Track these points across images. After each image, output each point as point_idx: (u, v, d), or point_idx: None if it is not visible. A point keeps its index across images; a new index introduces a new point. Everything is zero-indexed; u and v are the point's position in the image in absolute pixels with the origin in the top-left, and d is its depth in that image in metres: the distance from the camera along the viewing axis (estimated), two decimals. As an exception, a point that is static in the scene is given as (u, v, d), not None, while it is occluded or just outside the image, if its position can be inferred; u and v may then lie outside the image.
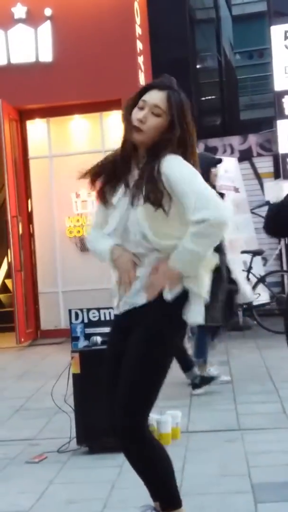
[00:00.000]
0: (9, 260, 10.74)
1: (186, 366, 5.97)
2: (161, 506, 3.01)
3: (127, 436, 2.90)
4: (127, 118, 2.94)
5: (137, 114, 2.90)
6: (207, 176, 6.31)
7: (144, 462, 2.95)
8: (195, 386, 5.98)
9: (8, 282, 12.49)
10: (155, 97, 2.89)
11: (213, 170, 6.40)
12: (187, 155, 2.91)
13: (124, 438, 2.91)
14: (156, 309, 2.87)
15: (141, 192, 2.84)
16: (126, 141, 2.95)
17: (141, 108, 2.90)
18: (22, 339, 10.02)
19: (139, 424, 2.90)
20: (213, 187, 6.41)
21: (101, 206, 3.04)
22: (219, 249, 5.90)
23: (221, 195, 6.38)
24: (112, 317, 4.73)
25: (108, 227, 2.98)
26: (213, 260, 2.94)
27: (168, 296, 2.86)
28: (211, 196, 2.83)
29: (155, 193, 2.82)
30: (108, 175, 2.99)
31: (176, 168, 2.84)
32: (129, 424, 2.88)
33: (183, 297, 2.88)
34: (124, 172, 2.95)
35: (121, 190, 2.95)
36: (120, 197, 2.94)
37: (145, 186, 2.83)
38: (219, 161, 6.70)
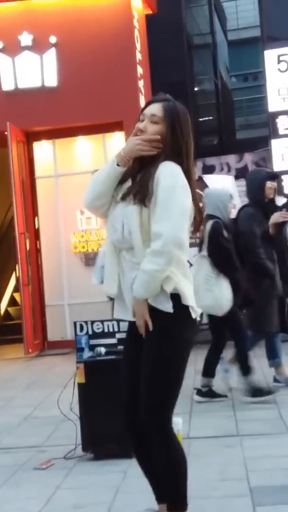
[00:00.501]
0: (17, 274, 10.73)
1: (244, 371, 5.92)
2: (168, 506, 2.98)
3: (149, 434, 2.91)
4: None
5: (137, 126, 2.99)
6: (263, 190, 6.24)
7: (163, 459, 2.93)
8: (255, 393, 5.87)
9: (17, 296, 12.49)
10: (152, 108, 2.98)
11: (268, 183, 6.22)
12: (183, 159, 2.92)
13: (147, 435, 2.92)
14: (157, 311, 2.86)
15: (132, 190, 2.90)
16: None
17: (142, 121, 2.99)
18: (30, 350, 10.00)
19: (161, 422, 2.90)
20: (270, 200, 6.34)
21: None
22: (274, 258, 5.74)
23: (280, 208, 6.32)
24: (115, 329, 4.76)
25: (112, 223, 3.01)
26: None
27: (164, 307, 2.86)
28: (177, 214, 2.80)
29: (142, 193, 2.85)
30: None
31: (165, 176, 2.84)
32: (151, 422, 2.89)
33: (175, 295, 2.87)
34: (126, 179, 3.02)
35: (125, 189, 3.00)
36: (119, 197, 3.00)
37: (136, 186, 2.90)
38: (275, 175, 6.59)
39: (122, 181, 3.01)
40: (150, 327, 2.85)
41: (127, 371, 3.04)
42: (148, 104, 3.03)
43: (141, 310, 2.85)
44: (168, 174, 2.84)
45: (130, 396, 3.00)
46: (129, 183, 2.99)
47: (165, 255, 2.78)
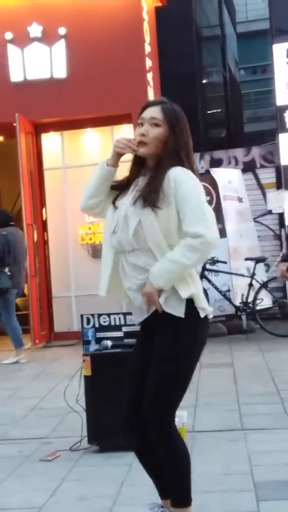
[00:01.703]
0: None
1: None
2: (172, 501, 3.01)
3: (154, 429, 2.94)
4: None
5: (138, 131, 2.98)
6: None
7: (168, 454, 2.96)
8: None
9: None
10: (151, 111, 2.98)
11: None
12: (183, 159, 2.94)
13: (154, 429, 2.95)
14: (169, 315, 2.88)
15: (143, 193, 2.90)
16: (135, 157, 3.03)
17: (141, 125, 2.98)
18: (37, 341, 10.04)
19: (166, 418, 2.94)
20: None
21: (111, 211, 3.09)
22: None
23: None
24: (122, 322, 4.78)
25: (111, 226, 3.02)
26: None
27: (177, 312, 2.89)
28: (210, 215, 2.89)
29: (153, 196, 2.86)
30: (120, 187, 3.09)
31: (186, 180, 2.88)
32: (157, 417, 2.92)
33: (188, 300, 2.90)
34: (131, 182, 3.05)
35: (127, 194, 3.03)
36: (123, 199, 3.01)
37: (146, 189, 2.90)
38: None
39: (120, 187, 3.05)
40: (161, 310, 2.87)
41: (136, 365, 3.05)
42: (144, 108, 3.02)
43: (154, 296, 2.85)
44: (187, 177, 2.89)
45: (136, 389, 3.01)
46: (129, 188, 3.03)
47: (200, 253, 2.83)
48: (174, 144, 2.93)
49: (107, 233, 3.07)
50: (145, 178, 2.98)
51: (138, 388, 2.99)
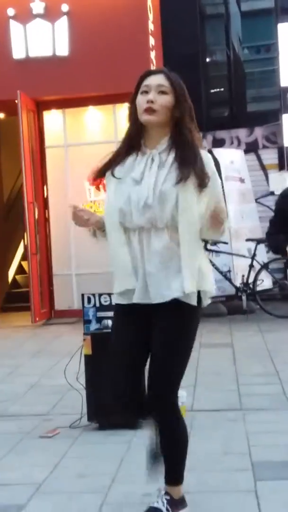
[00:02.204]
0: (26, 243, 10.76)
1: None
2: (169, 479, 3.04)
3: (161, 412, 2.99)
4: (135, 108, 2.96)
5: (145, 98, 2.90)
6: None
7: (171, 430, 3.01)
8: None
9: (24, 264, 12.55)
10: (156, 78, 2.93)
11: None
12: (195, 127, 2.96)
13: (160, 411, 2.99)
14: (188, 308, 2.90)
15: (188, 172, 2.85)
16: (135, 127, 2.96)
17: (146, 92, 2.91)
18: (37, 319, 10.08)
19: (173, 400, 3.00)
20: None
21: (114, 185, 2.97)
22: None
23: None
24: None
25: (128, 200, 2.90)
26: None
27: (192, 301, 2.91)
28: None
29: (202, 176, 2.86)
30: (113, 162, 3.00)
31: (212, 164, 2.95)
32: (164, 401, 2.96)
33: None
34: (133, 151, 2.97)
35: (140, 167, 2.92)
36: (143, 174, 2.91)
37: (193, 169, 2.86)
38: None
39: (111, 163, 2.99)
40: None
41: (126, 344, 2.98)
42: (145, 76, 2.95)
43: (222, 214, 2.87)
44: (211, 160, 2.96)
45: (132, 370, 3.00)
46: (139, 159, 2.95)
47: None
48: (182, 112, 2.91)
49: (115, 210, 2.93)
50: (165, 151, 2.91)
51: (134, 369, 2.99)
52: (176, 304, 2.88)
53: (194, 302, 2.91)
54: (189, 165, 2.86)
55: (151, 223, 2.87)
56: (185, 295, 2.87)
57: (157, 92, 2.89)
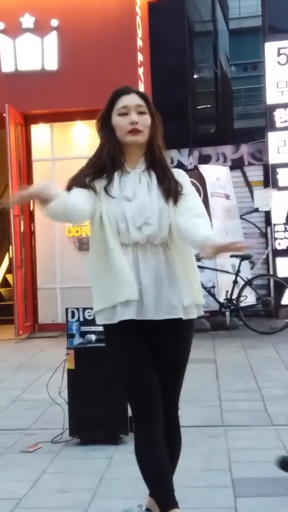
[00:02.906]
0: (11, 256, 10.76)
1: None
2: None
3: (176, 423, 3.11)
4: (109, 127, 2.96)
5: (125, 120, 2.92)
6: None
7: (179, 446, 3.15)
8: None
9: (9, 277, 12.51)
10: (131, 99, 2.95)
11: None
12: (163, 145, 3.02)
13: (175, 424, 3.10)
14: (189, 323, 2.98)
15: (173, 189, 2.92)
16: (117, 148, 2.96)
17: (125, 114, 2.93)
18: (21, 332, 10.05)
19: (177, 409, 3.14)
20: None
21: (88, 192, 2.93)
22: None
23: None
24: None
25: (123, 217, 2.89)
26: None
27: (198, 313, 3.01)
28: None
29: (178, 189, 2.94)
30: (96, 173, 2.97)
31: (189, 182, 3.03)
32: (177, 411, 3.12)
33: None
34: (116, 170, 2.95)
35: (130, 185, 2.92)
36: (134, 192, 2.92)
37: (173, 185, 2.93)
38: None
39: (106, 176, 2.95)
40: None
41: (140, 363, 2.93)
42: (118, 95, 2.96)
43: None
44: (186, 177, 3.03)
45: (151, 389, 2.94)
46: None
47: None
48: (155, 130, 2.97)
49: (114, 222, 2.90)
50: (146, 169, 2.95)
51: (152, 387, 2.94)
52: (178, 320, 2.92)
53: (194, 315, 2.99)
54: (167, 183, 2.94)
55: (147, 239, 2.91)
56: (186, 310, 2.92)
57: (137, 112, 2.94)
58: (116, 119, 2.95)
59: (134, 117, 2.92)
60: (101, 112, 3.02)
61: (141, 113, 2.94)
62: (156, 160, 2.97)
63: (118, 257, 2.88)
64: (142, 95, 2.99)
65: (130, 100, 2.95)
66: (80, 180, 2.98)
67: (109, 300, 2.91)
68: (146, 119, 2.95)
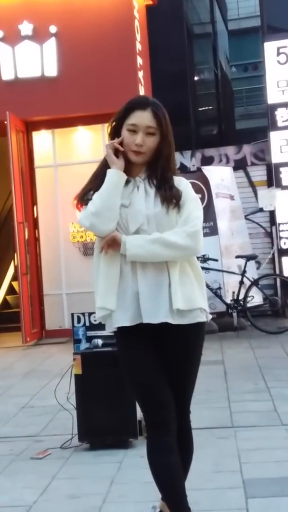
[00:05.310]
0: (16, 263, 10.76)
1: None
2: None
3: (189, 430, 3.11)
4: (118, 136, 2.97)
5: (132, 138, 2.91)
6: None
7: (191, 449, 3.15)
8: None
9: (15, 284, 12.52)
10: (144, 118, 2.91)
11: None
12: (172, 163, 2.99)
13: (189, 428, 3.10)
14: (197, 326, 2.96)
15: (171, 197, 2.91)
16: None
17: (134, 131, 2.92)
18: (28, 339, 10.05)
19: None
20: None
21: None
22: None
23: None
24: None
25: (130, 225, 2.92)
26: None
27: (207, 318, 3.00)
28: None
29: (177, 201, 2.93)
30: (100, 184, 2.97)
31: (191, 189, 3.00)
32: (189, 415, 3.11)
33: None
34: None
35: (127, 193, 2.94)
36: (130, 199, 2.93)
37: (172, 194, 2.92)
38: None
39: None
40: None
41: (150, 367, 2.92)
42: (132, 109, 2.93)
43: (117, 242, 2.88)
44: (190, 186, 3.01)
45: (163, 393, 2.93)
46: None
47: (193, 246, 2.89)
48: (163, 146, 2.94)
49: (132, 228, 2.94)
50: (147, 178, 2.96)
51: (162, 392, 2.92)
52: (184, 324, 2.92)
53: (202, 319, 2.97)
54: (165, 190, 2.93)
55: None
56: (186, 314, 2.90)
57: (145, 133, 2.91)
58: (125, 133, 2.95)
59: (139, 139, 2.90)
60: (114, 119, 3.01)
61: (150, 134, 2.92)
62: (161, 170, 2.94)
63: (108, 265, 2.94)
64: (156, 114, 2.91)
65: (141, 119, 2.90)
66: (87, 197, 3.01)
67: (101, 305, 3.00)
68: (152, 141, 2.92)
